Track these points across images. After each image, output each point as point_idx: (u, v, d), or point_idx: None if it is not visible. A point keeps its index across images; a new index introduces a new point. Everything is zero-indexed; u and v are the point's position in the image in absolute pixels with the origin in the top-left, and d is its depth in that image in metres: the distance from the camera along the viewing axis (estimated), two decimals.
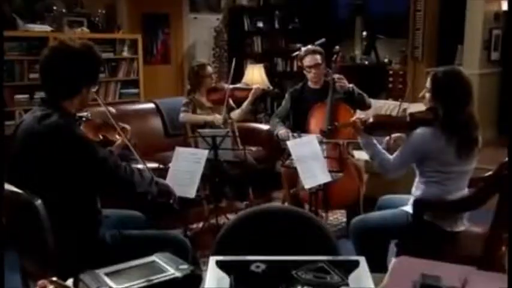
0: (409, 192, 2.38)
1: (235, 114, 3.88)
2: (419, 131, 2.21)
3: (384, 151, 2.35)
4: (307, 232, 1.23)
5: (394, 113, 4.21)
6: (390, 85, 7.06)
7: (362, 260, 1.17)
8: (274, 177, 4.08)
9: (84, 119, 2.11)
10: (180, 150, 2.61)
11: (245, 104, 3.81)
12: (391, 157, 2.30)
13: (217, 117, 3.69)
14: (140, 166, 2.08)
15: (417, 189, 2.31)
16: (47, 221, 1.64)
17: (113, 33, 5.28)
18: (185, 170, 2.52)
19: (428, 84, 2.27)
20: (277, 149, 3.81)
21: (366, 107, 3.48)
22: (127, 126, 2.25)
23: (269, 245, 1.25)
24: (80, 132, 1.83)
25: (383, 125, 2.35)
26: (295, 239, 1.25)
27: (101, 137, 2.13)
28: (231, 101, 3.87)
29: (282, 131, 3.39)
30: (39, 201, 1.63)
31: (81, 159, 1.75)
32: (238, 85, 4.01)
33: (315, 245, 1.23)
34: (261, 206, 1.40)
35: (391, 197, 2.53)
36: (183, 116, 3.78)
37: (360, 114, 3.54)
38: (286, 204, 3.64)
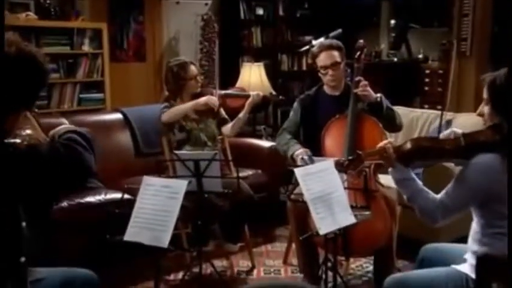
0: (458, 232, 2.18)
1: (228, 129, 3.80)
2: (480, 160, 2.03)
3: (426, 189, 2.18)
4: None
5: (434, 126, 4.10)
6: (426, 88, 7.02)
7: None
8: (277, 209, 3.97)
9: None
10: (148, 181, 2.46)
11: (240, 115, 3.73)
12: (437, 197, 2.13)
13: (213, 99, 3.63)
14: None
15: (478, 242, 2.11)
16: None
17: (70, 21, 5.19)
18: (156, 208, 2.38)
19: (486, 94, 2.13)
20: (282, 173, 3.70)
21: (395, 127, 3.35)
22: None
23: None
24: None
25: (425, 152, 2.16)
26: None
27: None
28: (222, 111, 3.82)
29: (299, 150, 3.24)
30: None
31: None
32: (230, 90, 3.94)
33: None
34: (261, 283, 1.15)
35: (439, 248, 2.35)
36: (166, 114, 3.67)
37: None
38: (293, 246, 3.54)
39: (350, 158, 2.37)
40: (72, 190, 1.76)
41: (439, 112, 4.57)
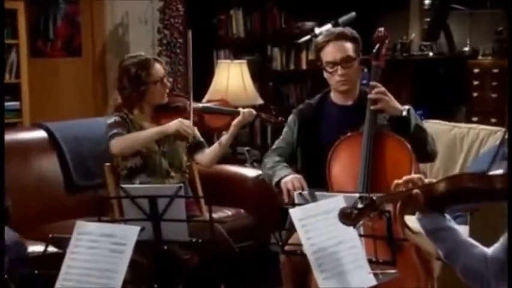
0: None
1: (205, 156, 3.90)
2: None
3: (471, 240, 2.19)
4: None
5: (487, 148, 4.13)
6: (475, 93, 7.11)
7: None
8: (267, 265, 3.97)
9: None
10: (83, 228, 2.48)
11: (225, 138, 3.80)
12: (487, 251, 2.14)
13: (185, 123, 3.65)
14: None
15: None
16: None
17: None
18: (93, 267, 2.40)
19: None
20: (273, 214, 3.60)
21: (425, 156, 3.39)
22: None
23: None
24: None
25: (468, 195, 2.17)
26: None
27: None
28: (197, 133, 3.88)
29: (288, 177, 3.31)
30: None
31: None
32: (211, 104, 4.01)
33: None
34: None
35: None
36: (117, 144, 3.68)
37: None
38: None
39: (359, 207, 2.36)
40: None
41: (494, 128, 4.56)
